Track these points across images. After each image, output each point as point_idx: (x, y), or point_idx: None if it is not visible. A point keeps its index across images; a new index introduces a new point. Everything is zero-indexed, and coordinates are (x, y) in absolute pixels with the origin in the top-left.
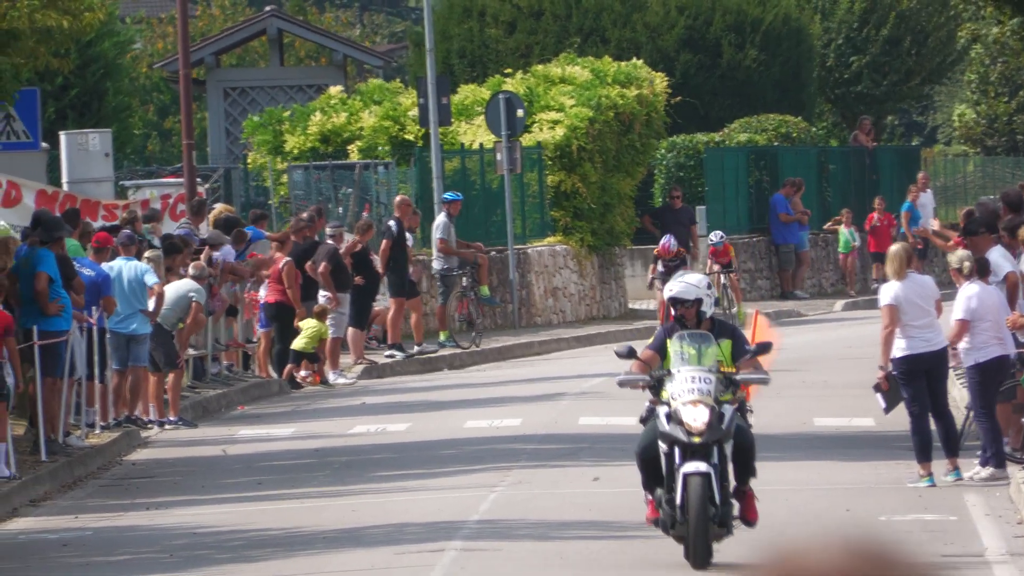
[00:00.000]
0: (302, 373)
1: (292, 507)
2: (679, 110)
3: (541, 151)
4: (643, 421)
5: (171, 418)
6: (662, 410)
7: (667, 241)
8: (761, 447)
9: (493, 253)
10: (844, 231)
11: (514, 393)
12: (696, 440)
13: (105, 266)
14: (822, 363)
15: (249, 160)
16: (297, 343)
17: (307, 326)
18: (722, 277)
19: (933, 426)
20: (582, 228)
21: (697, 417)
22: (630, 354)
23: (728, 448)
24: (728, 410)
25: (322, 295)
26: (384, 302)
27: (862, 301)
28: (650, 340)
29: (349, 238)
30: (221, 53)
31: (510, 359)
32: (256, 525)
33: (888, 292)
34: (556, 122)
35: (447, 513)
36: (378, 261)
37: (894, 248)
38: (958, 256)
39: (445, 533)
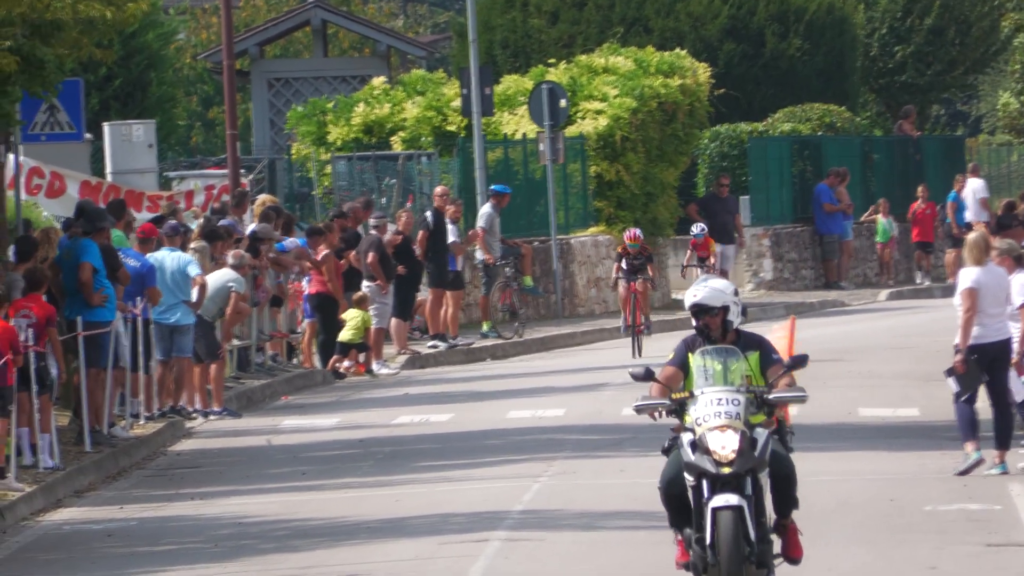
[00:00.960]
0: (345, 364)
1: (336, 497)
2: (722, 100)
3: (584, 141)
4: (666, 451)
5: (215, 408)
6: (686, 438)
7: (632, 232)
8: (806, 437)
9: (536, 243)
10: (882, 220)
11: (557, 383)
12: (725, 470)
13: (149, 256)
14: (867, 353)
15: (293, 151)
16: (344, 335)
17: (350, 317)
18: (699, 271)
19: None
20: (625, 218)
21: (726, 444)
22: (647, 376)
23: (764, 478)
24: (761, 434)
25: (365, 285)
26: (427, 292)
27: (907, 291)
28: (670, 356)
29: (392, 229)
30: (265, 44)
31: (553, 349)
32: (300, 515)
33: (968, 276)
34: (599, 112)
35: (490, 503)
36: (418, 251)
37: (973, 236)
38: (1005, 245)
39: (489, 523)
